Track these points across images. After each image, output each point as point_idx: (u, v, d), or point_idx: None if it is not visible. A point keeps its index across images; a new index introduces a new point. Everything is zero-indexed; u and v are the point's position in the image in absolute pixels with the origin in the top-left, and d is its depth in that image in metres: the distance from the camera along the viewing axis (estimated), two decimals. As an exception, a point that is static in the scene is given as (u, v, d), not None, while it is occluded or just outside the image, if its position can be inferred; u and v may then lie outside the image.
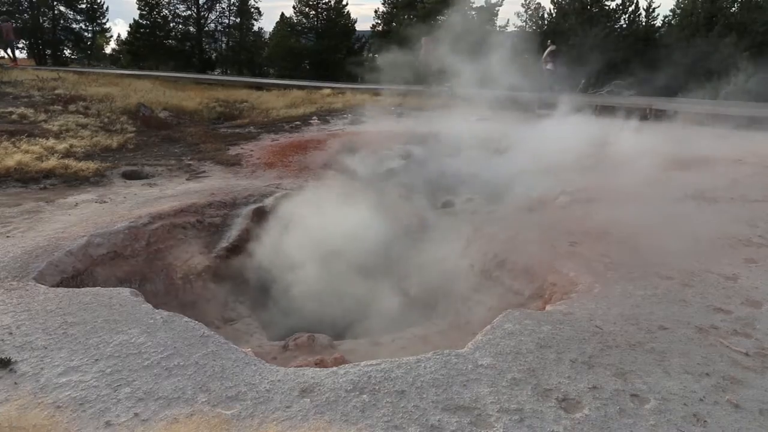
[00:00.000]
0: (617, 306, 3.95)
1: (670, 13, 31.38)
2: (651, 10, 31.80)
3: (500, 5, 32.61)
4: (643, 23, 31.46)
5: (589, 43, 27.90)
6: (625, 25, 30.47)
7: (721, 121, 12.63)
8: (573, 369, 3.11)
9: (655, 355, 3.28)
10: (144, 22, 35.77)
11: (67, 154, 9.26)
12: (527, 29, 35.33)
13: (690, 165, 8.60)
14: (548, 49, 18.75)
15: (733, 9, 27.39)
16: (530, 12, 35.38)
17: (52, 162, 8.46)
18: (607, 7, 30.81)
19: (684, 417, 2.72)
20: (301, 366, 3.45)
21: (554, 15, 32.10)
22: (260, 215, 7.04)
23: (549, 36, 30.70)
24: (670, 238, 5.41)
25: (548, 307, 4.04)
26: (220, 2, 37.32)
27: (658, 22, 31.96)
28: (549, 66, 18.37)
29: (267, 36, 39.69)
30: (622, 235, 5.53)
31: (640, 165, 8.23)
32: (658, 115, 13.98)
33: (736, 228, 5.72)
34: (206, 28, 37.48)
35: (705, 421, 2.70)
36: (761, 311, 3.89)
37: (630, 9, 31.00)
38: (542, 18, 34.21)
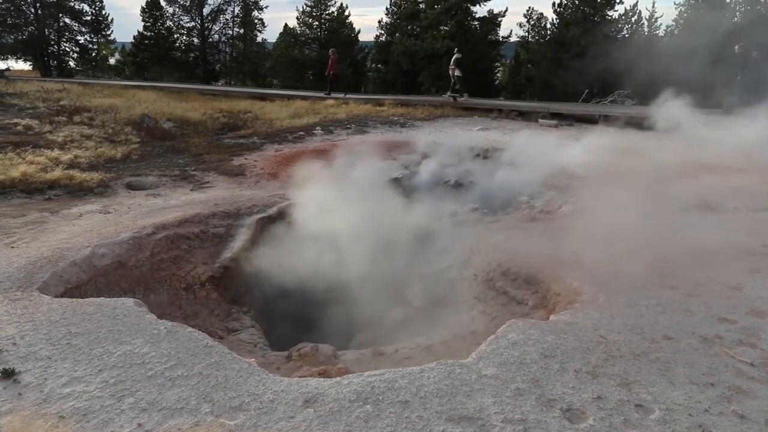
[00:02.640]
0: (621, 316, 3.94)
1: (673, 23, 31.53)
2: (653, 19, 31.94)
3: (503, 16, 32.70)
4: (646, 33, 31.58)
5: (590, 53, 28.04)
6: (627, 35, 30.56)
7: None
8: (577, 379, 3.10)
9: (660, 365, 3.27)
10: (148, 34, 36.07)
11: (72, 164, 9.31)
12: (530, 39, 35.50)
13: (694, 173, 8.59)
14: (454, 57, 20.11)
15: (735, 19, 27.47)
16: (533, 22, 35.53)
17: (56, 173, 8.50)
18: (609, 17, 30.94)
19: (689, 427, 2.71)
20: (304, 376, 3.45)
21: (557, 25, 32.23)
22: (264, 225, 7.06)
23: (552, 45, 30.89)
24: (674, 247, 5.40)
25: (552, 317, 4.03)
26: (223, 13, 37.67)
27: (661, 32, 32.09)
28: (457, 72, 19.89)
29: (270, 47, 39.98)
30: (625, 244, 5.52)
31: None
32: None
33: (740, 237, 5.71)
34: (210, 39, 37.80)
35: (710, 431, 2.68)
36: (766, 321, 3.87)
37: (633, 19, 31.13)
38: (545, 28, 34.37)
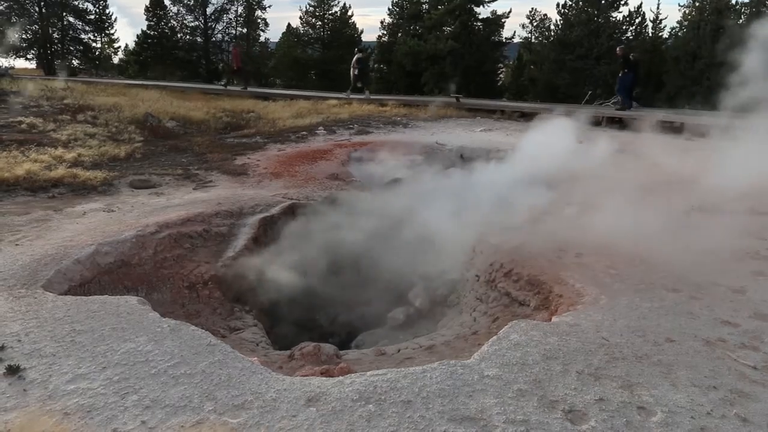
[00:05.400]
0: (624, 318, 3.95)
1: (677, 25, 31.48)
2: (658, 21, 31.91)
3: (507, 17, 32.69)
4: (650, 35, 31.54)
5: (594, 54, 28.08)
6: (631, 37, 30.52)
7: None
8: (579, 381, 3.11)
9: (662, 367, 3.27)
10: (152, 33, 36.12)
11: (76, 163, 9.33)
12: (533, 40, 35.49)
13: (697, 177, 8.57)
14: (356, 57, 21.34)
15: (741, 21, 27.43)
16: (536, 23, 35.53)
17: (60, 171, 8.51)
18: (613, 19, 30.91)
19: (691, 430, 2.71)
20: (307, 375, 3.46)
21: (560, 26, 32.20)
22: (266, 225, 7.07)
23: (555, 47, 30.87)
24: (677, 250, 5.40)
25: (554, 319, 4.04)
26: (227, 13, 37.66)
27: (665, 34, 32.07)
28: (356, 71, 21.18)
29: (273, 46, 40.01)
30: (628, 246, 5.52)
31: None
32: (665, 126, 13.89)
33: (744, 241, 5.71)
34: (213, 39, 37.80)
35: (712, 434, 2.69)
36: (769, 324, 3.87)
37: (637, 21, 31.08)
38: (548, 29, 34.36)
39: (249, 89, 23.35)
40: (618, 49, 17.76)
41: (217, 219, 6.87)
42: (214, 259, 6.22)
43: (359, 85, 21.53)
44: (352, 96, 20.77)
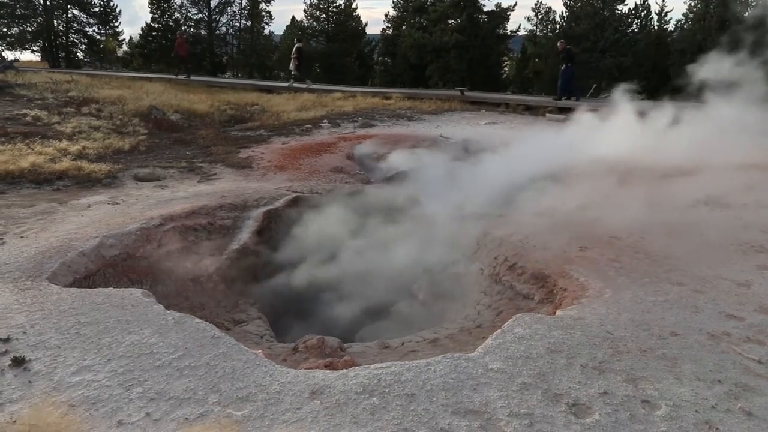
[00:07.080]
0: (628, 311, 3.93)
1: (683, 18, 31.29)
2: (663, 14, 31.72)
3: (512, 10, 32.51)
4: (656, 27, 31.36)
5: (600, 47, 27.93)
6: (637, 30, 30.35)
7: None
8: (583, 374, 3.10)
9: (667, 361, 3.26)
10: (156, 25, 36.07)
11: (80, 155, 9.35)
12: (538, 33, 35.34)
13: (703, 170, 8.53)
14: (295, 47, 22.31)
15: (747, 13, 27.22)
16: (541, 16, 35.37)
17: (65, 163, 8.54)
18: (619, 11, 30.74)
19: (695, 424, 2.71)
20: (311, 368, 3.46)
21: (566, 19, 32.03)
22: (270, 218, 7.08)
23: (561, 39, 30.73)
24: (682, 243, 5.38)
25: (559, 312, 4.03)
26: (231, 6, 37.55)
27: (671, 27, 31.88)
28: (296, 61, 22.17)
29: (277, 39, 39.93)
30: (632, 240, 5.51)
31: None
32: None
33: (749, 234, 5.68)
34: (217, 32, 37.71)
35: (717, 428, 2.68)
36: (774, 318, 3.85)
37: (642, 13, 30.91)
38: (553, 22, 34.20)
39: (192, 78, 23.85)
40: (559, 43, 18.48)
41: (222, 212, 6.87)
42: (219, 251, 6.23)
43: (297, 73, 22.26)
44: (295, 85, 21.57)
